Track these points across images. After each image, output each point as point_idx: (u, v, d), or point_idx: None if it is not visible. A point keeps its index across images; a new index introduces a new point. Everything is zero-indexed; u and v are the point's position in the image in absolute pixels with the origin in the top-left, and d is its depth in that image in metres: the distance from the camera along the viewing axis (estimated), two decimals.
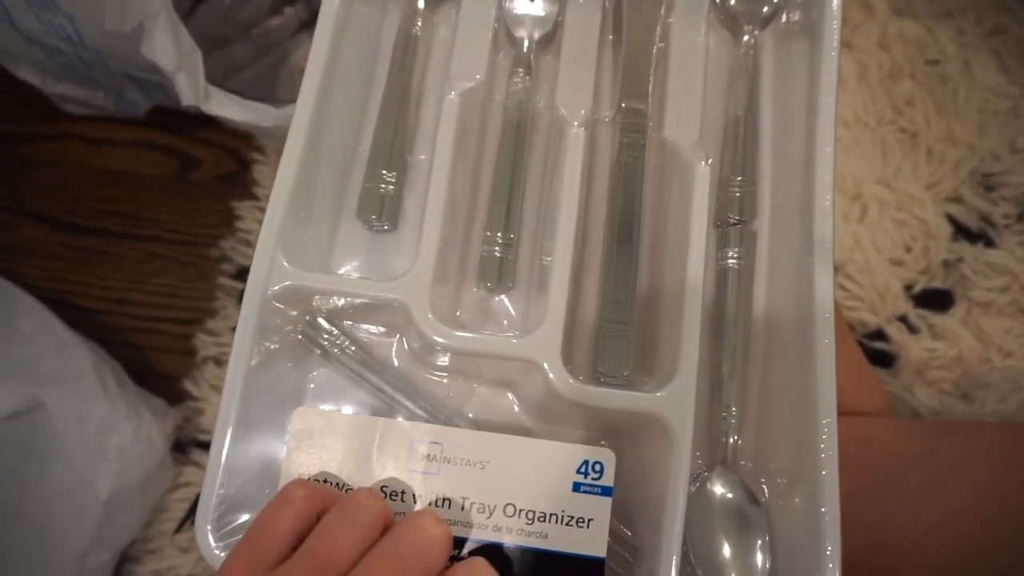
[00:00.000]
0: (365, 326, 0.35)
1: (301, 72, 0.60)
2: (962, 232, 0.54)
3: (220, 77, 0.54)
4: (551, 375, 0.31)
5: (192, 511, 0.49)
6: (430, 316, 0.32)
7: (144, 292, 0.58)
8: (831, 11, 0.36)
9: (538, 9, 0.39)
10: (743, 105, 0.36)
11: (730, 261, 0.35)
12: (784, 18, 0.38)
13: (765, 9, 0.38)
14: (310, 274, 0.32)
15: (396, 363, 0.34)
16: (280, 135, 0.52)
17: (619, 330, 0.34)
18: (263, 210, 0.59)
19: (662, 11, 0.38)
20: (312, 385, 0.34)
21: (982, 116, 0.55)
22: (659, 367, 0.34)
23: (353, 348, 0.34)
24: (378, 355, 0.34)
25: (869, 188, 0.54)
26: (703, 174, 0.34)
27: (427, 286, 0.32)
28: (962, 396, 0.50)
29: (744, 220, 0.35)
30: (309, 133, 0.34)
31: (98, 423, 0.46)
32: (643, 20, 0.38)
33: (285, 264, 0.32)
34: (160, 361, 0.57)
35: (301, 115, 0.34)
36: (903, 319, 0.52)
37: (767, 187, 0.37)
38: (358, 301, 0.33)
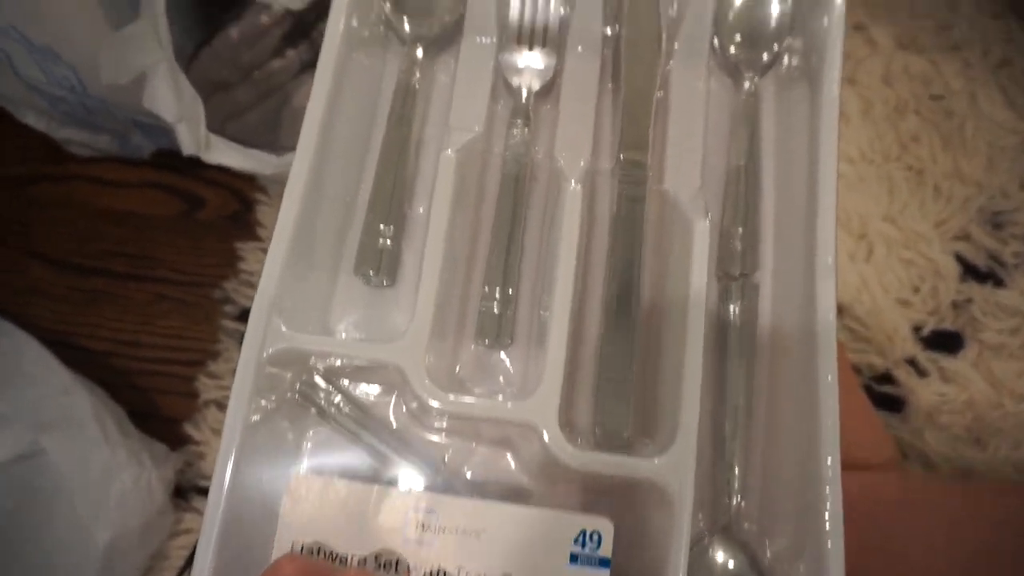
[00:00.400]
0: (363, 385, 0.35)
1: (304, 113, 0.60)
2: (971, 272, 0.53)
3: (222, 120, 0.54)
4: (548, 442, 0.30)
5: (191, 560, 0.49)
6: (426, 381, 0.31)
7: (151, 334, 0.58)
8: (832, 58, 0.35)
9: (536, 60, 0.38)
10: (744, 154, 0.36)
11: (732, 315, 0.35)
12: (785, 63, 0.38)
13: (765, 56, 0.37)
14: (306, 336, 0.32)
15: (393, 421, 0.34)
16: (282, 179, 0.52)
17: (618, 389, 0.33)
18: (265, 251, 0.59)
19: (661, 59, 0.38)
20: (309, 444, 0.34)
21: (990, 151, 0.55)
22: (660, 428, 0.33)
23: (350, 407, 0.34)
24: (375, 413, 0.34)
25: (875, 226, 0.53)
26: (703, 230, 0.34)
27: (423, 348, 0.32)
28: (974, 441, 0.49)
29: (746, 273, 0.35)
30: (306, 187, 0.34)
31: (99, 470, 0.46)
32: (642, 70, 0.38)
33: (283, 328, 0.32)
34: (164, 404, 0.57)
35: (299, 170, 0.35)
36: (912, 362, 0.51)
37: (770, 238, 0.36)
38: (355, 362, 0.33)
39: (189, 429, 0.55)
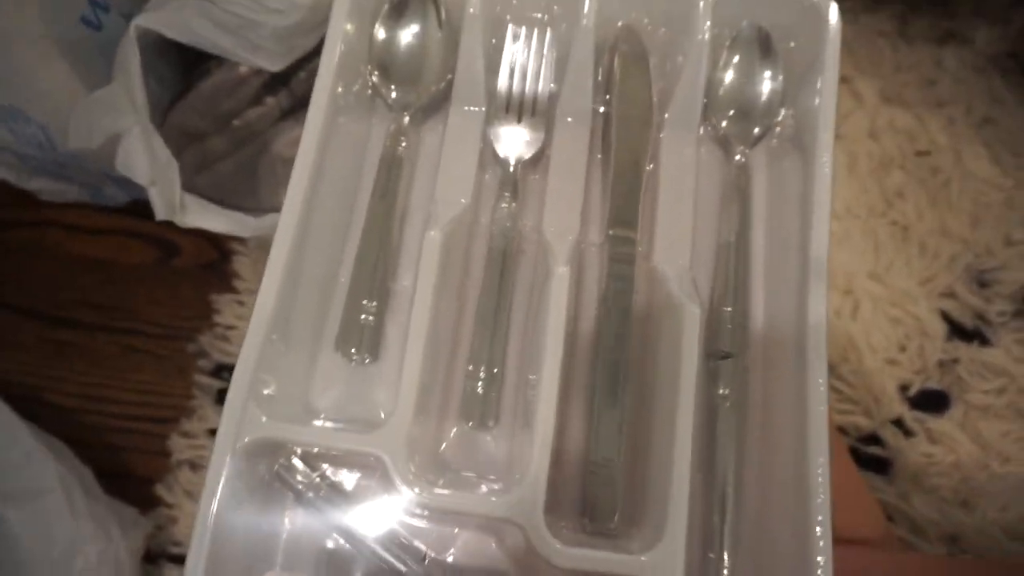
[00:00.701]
0: (342, 468, 0.33)
1: (283, 161, 0.59)
2: (957, 330, 0.53)
3: (196, 168, 0.53)
4: (532, 539, 0.30)
5: None
6: (410, 475, 0.30)
7: (121, 389, 0.57)
8: (824, 135, 0.35)
9: (525, 133, 0.38)
10: (735, 230, 0.35)
11: (721, 396, 0.34)
12: (776, 134, 0.38)
13: (757, 130, 0.37)
14: (284, 425, 0.31)
15: (374, 506, 0.33)
16: (260, 233, 0.51)
17: (606, 477, 0.33)
18: (241, 303, 0.58)
19: (652, 134, 0.37)
20: (288, 526, 0.33)
21: (975, 208, 0.55)
22: (648, 516, 0.32)
23: (328, 492, 0.33)
24: (355, 497, 0.33)
25: (861, 283, 0.53)
26: (693, 315, 0.33)
27: (405, 438, 0.31)
28: (962, 504, 0.49)
29: (735, 354, 0.34)
30: (288, 263, 0.33)
31: (63, 544, 0.44)
32: (633, 146, 0.37)
33: (260, 417, 0.31)
34: (135, 463, 0.55)
35: (280, 246, 0.33)
36: (898, 422, 0.51)
37: (760, 316, 0.36)
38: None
39: (161, 491, 0.54)
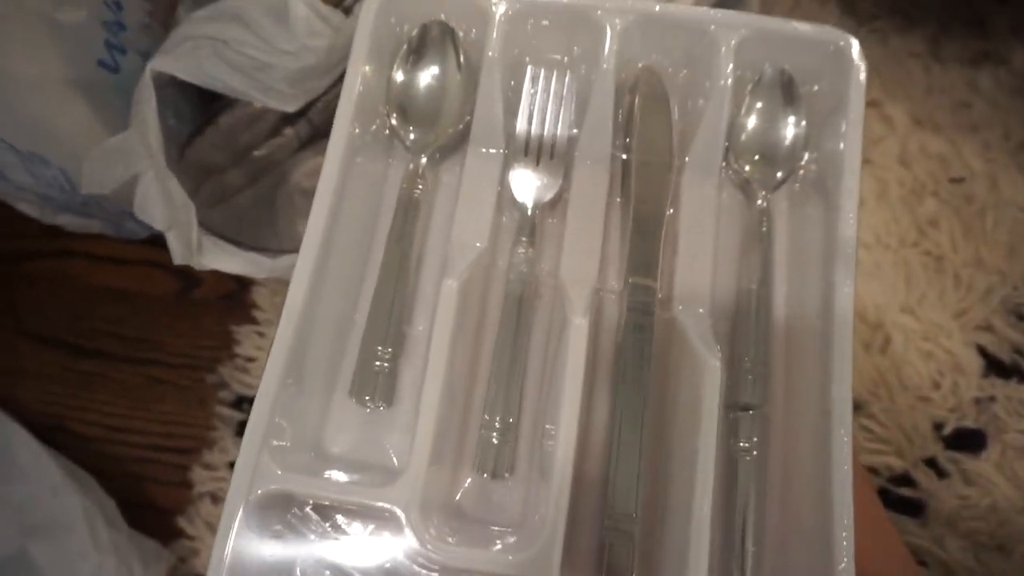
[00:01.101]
0: (356, 519, 0.33)
1: (301, 191, 0.59)
2: (994, 366, 0.51)
3: (214, 202, 0.53)
4: None
5: None
6: (426, 534, 0.30)
7: (144, 420, 0.57)
8: (849, 182, 0.34)
9: (543, 176, 0.37)
10: (756, 278, 0.34)
11: (742, 449, 0.33)
12: (799, 179, 0.36)
13: (779, 175, 0.36)
14: (297, 477, 0.31)
15: (388, 557, 0.33)
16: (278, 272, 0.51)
17: (623, 532, 0.32)
18: (261, 334, 0.58)
19: (672, 179, 0.36)
20: None
21: (1012, 238, 0.53)
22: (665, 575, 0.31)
23: (341, 543, 0.32)
24: (368, 548, 0.33)
25: (892, 316, 0.51)
26: (714, 370, 0.32)
27: (419, 493, 0.31)
28: (998, 548, 0.47)
29: (756, 406, 0.33)
30: (304, 309, 0.33)
31: None
32: (653, 191, 0.36)
33: (274, 469, 0.31)
34: (157, 494, 0.55)
35: (296, 292, 0.33)
36: (932, 463, 0.49)
37: (782, 367, 0.34)
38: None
39: (182, 523, 0.54)
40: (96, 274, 0.61)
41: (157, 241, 0.60)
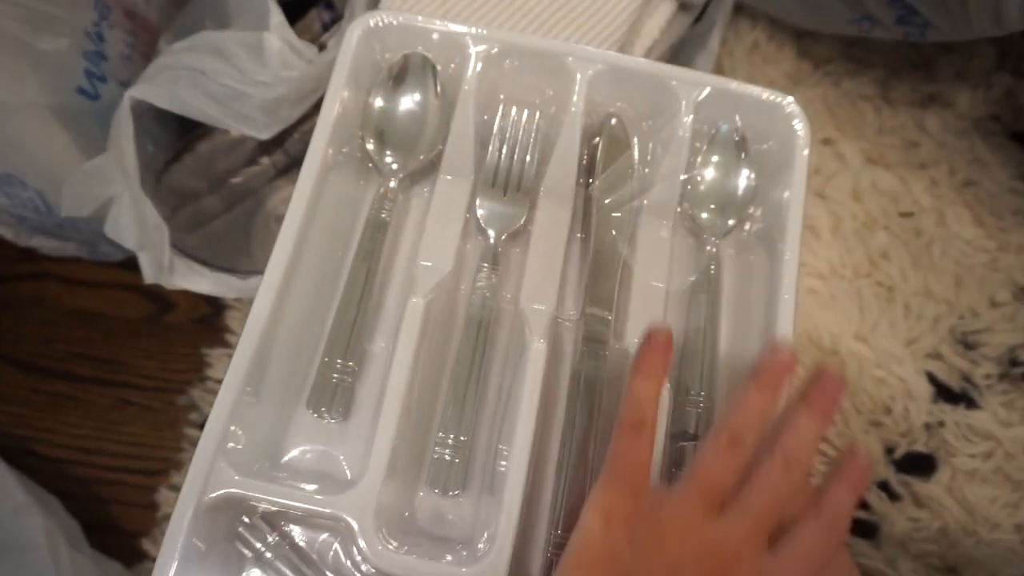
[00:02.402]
0: (306, 529, 0.34)
1: (276, 218, 0.60)
2: (943, 393, 0.53)
3: (190, 227, 0.54)
4: None
5: None
6: (378, 545, 0.31)
7: (112, 441, 0.57)
8: (792, 231, 0.36)
9: (508, 207, 0.39)
10: (704, 317, 0.36)
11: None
12: (746, 228, 0.39)
13: (730, 222, 0.38)
14: (251, 481, 0.32)
15: (334, 566, 0.33)
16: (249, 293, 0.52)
17: None
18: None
19: (631, 219, 0.38)
20: None
21: (959, 270, 0.55)
22: None
23: (289, 554, 0.33)
24: (317, 559, 0.33)
25: (847, 344, 0.53)
26: (661, 400, 0.33)
27: (372, 503, 0.31)
28: (948, 571, 0.48)
29: (701, 436, 0.35)
30: (267, 323, 0.34)
31: None
32: (612, 228, 0.38)
33: (230, 472, 0.32)
34: (122, 516, 0.55)
35: (263, 298, 0.34)
36: (884, 485, 0.51)
37: (724, 401, 0.36)
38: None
39: (147, 545, 0.54)
40: (70, 297, 0.61)
41: (131, 264, 0.60)
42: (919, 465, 0.51)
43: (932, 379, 0.53)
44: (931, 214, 0.56)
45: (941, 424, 0.52)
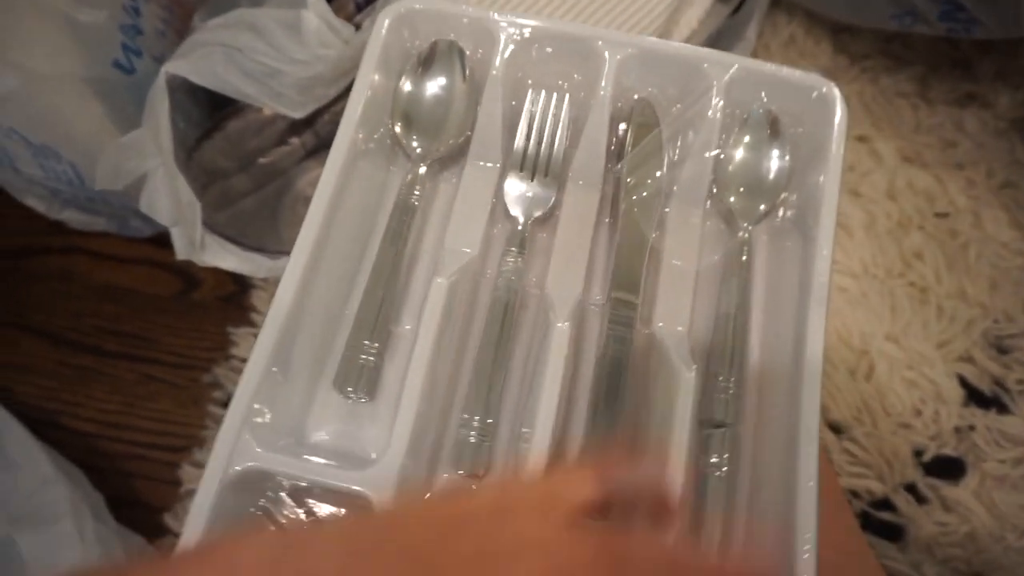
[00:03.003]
0: (329, 506, 0.34)
1: (304, 199, 0.60)
2: (974, 396, 0.52)
3: (219, 206, 0.54)
4: None
5: None
6: None
7: (138, 417, 0.58)
8: (827, 217, 0.35)
9: (536, 191, 0.38)
10: (735, 303, 0.36)
11: (712, 468, 0.33)
12: (780, 215, 0.38)
13: (762, 207, 0.37)
14: (275, 456, 0.32)
15: None
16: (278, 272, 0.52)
17: None
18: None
19: (660, 204, 0.38)
20: None
21: (994, 273, 0.54)
22: None
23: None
24: None
25: (877, 344, 0.52)
26: (688, 381, 0.33)
27: (393, 480, 0.31)
28: None
29: (729, 424, 0.34)
30: (294, 300, 0.34)
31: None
32: (640, 213, 0.37)
33: (254, 446, 0.32)
34: (145, 491, 0.56)
35: (288, 283, 0.34)
36: (912, 488, 0.50)
37: (753, 389, 0.35)
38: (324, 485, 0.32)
39: (168, 520, 0.54)
40: (99, 271, 0.62)
41: (160, 240, 0.61)
42: (948, 469, 0.50)
43: (963, 382, 0.52)
44: (967, 215, 0.55)
45: (971, 428, 0.51)
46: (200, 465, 0.55)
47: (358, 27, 0.45)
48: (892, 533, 0.49)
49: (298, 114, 0.43)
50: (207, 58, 0.42)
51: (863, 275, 0.54)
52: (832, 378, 0.51)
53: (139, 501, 0.55)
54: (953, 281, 0.53)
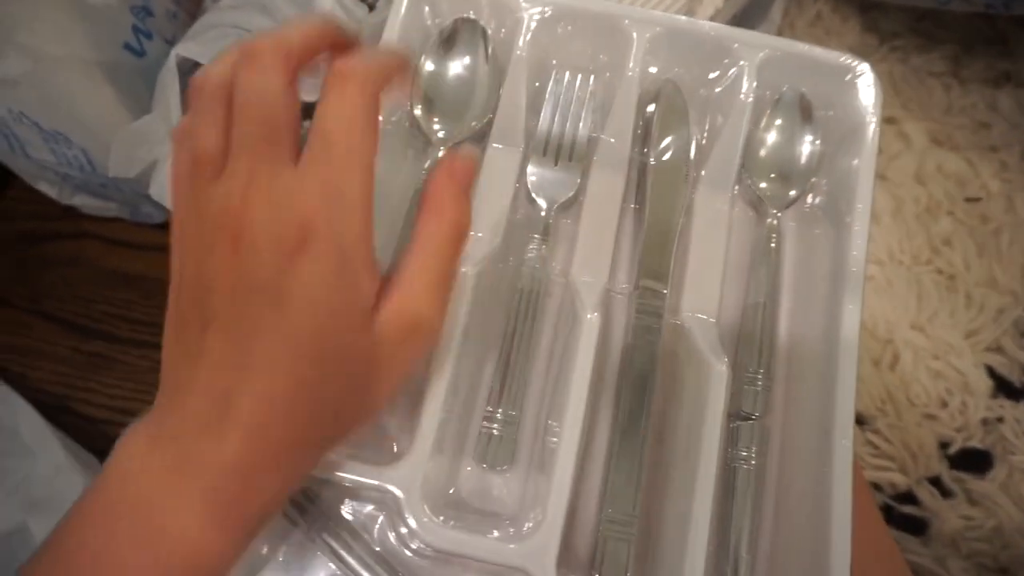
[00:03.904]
0: (350, 500, 0.33)
1: None
2: (1003, 387, 0.50)
3: None
4: None
5: None
6: (424, 519, 0.30)
7: (150, 403, 0.57)
8: (862, 204, 0.34)
9: (560, 175, 0.37)
10: (764, 292, 0.34)
11: (741, 460, 0.33)
12: (809, 201, 0.37)
13: (792, 193, 0.36)
14: None
15: (379, 540, 0.33)
16: None
17: (620, 533, 0.32)
18: None
19: (687, 190, 0.36)
20: (280, 558, 0.32)
21: None
22: None
23: (333, 526, 0.32)
24: (360, 531, 0.33)
25: (902, 333, 0.51)
26: (720, 375, 0.32)
27: (419, 476, 0.31)
28: (1001, 571, 0.46)
29: (758, 415, 0.33)
30: None
31: None
32: (667, 199, 0.36)
33: None
34: None
35: None
36: (936, 481, 0.49)
37: (783, 380, 0.34)
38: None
39: None
40: (110, 257, 0.61)
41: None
42: (974, 462, 0.49)
43: (992, 373, 0.51)
44: (1000, 200, 0.53)
45: (1000, 420, 0.49)
46: None
47: (372, 7, 0.44)
48: (915, 527, 0.48)
49: (311, 98, 0.42)
50: (218, 40, 0.41)
51: (889, 262, 0.53)
52: None
53: None
54: (983, 268, 0.52)
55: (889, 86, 0.56)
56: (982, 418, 0.50)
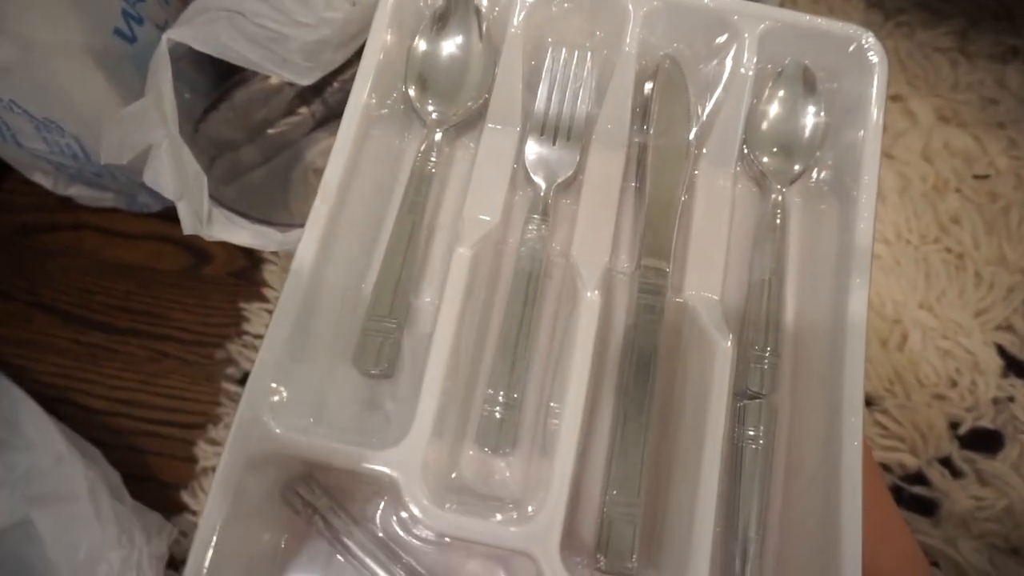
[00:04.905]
0: (352, 487, 0.33)
1: (314, 170, 0.59)
2: (1013, 366, 0.50)
3: (227, 178, 0.53)
4: (546, 573, 0.28)
5: None
6: (424, 501, 0.29)
7: (150, 394, 0.57)
8: (868, 178, 0.33)
9: (558, 155, 0.36)
10: (768, 269, 0.34)
11: (749, 440, 0.32)
12: (814, 177, 0.36)
13: (796, 167, 0.35)
14: (296, 437, 0.31)
15: (381, 526, 0.32)
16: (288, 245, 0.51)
17: (625, 514, 0.31)
18: (270, 312, 0.58)
19: (688, 167, 0.36)
20: (283, 546, 0.32)
21: None
22: (667, 559, 0.31)
23: (333, 512, 0.32)
24: (362, 518, 0.32)
25: (911, 313, 0.50)
26: (725, 352, 0.31)
27: (419, 460, 0.30)
28: (1013, 552, 0.46)
29: (765, 394, 0.32)
30: (310, 276, 0.33)
31: (87, 549, 0.45)
32: (668, 176, 0.35)
33: (273, 427, 0.31)
34: (161, 467, 0.55)
35: (302, 258, 0.33)
36: (946, 462, 0.48)
37: (790, 359, 0.34)
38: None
39: (186, 497, 0.54)
40: (108, 247, 0.61)
41: (169, 216, 0.59)
42: (985, 441, 0.48)
43: (1002, 352, 0.50)
44: (1008, 177, 0.52)
45: (1011, 399, 0.49)
46: (215, 442, 0.55)
47: None
48: (925, 508, 0.47)
49: (305, 81, 0.42)
50: (210, 24, 0.40)
51: (896, 241, 0.52)
52: None
53: (154, 478, 0.55)
54: (992, 246, 0.51)
55: (895, 63, 0.55)
56: (992, 397, 0.49)
